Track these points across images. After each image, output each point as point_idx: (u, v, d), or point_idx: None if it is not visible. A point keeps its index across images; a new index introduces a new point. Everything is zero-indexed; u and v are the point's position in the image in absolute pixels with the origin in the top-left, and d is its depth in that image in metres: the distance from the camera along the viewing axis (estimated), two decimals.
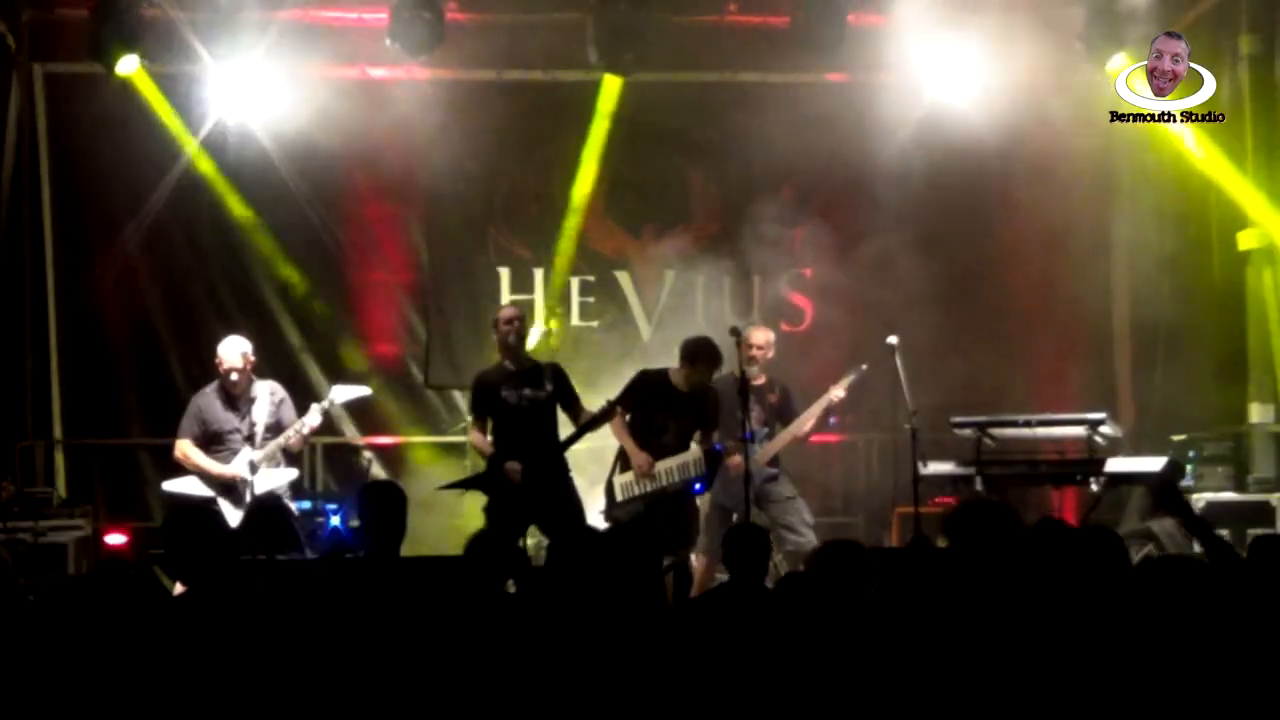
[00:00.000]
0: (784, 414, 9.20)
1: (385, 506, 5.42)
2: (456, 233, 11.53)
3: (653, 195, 11.62)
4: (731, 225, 11.44)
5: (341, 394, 8.84)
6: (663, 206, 11.62)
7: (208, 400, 8.57)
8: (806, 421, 9.15)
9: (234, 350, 8.51)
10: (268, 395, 8.44)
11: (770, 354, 9.13)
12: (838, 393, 9.11)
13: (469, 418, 8.86)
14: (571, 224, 11.37)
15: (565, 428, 8.52)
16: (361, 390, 9.15)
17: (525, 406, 8.30)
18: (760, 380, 9.08)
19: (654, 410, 8.54)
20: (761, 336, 9.15)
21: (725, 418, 8.79)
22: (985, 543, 4.76)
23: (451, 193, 11.35)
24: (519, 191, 11.53)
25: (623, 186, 11.60)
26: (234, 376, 8.44)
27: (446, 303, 11.47)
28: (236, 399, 8.48)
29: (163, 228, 11.11)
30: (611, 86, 11.08)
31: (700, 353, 8.47)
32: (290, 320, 11.25)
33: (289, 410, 8.56)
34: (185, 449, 8.51)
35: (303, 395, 9.20)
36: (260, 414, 8.33)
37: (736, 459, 8.66)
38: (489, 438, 8.37)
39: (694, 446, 8.58)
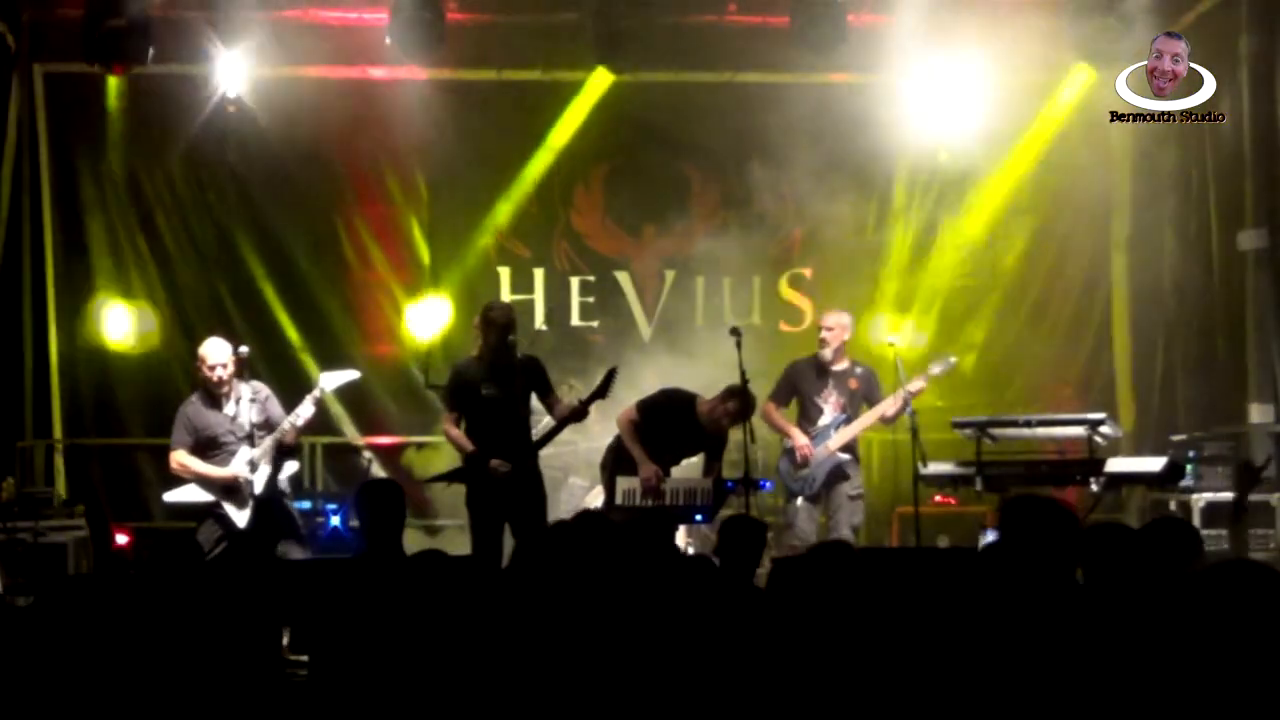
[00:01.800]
0: (870, 398, 9.10)
1: (383, 505, 5.38)
2: (457, 232, 11.54)
3: (653, 195, 11.62)
4: (731, 225, 11.44)
5: (331, 381, 8.77)
6: (663, 206, 11.61)
7: (194, 408, 8.51)
8: (884, 410, 8.96)
9: (221, 349, 8.44)
10: (251, 395, 8.41)
11: (844, 336, 9.07)
12: (918, 383, 8.89)
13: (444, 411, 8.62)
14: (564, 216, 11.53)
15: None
16: (350, 374, 9.02)
17: (500, 402, 8.17)
18: (840, 364, 9.07)
19: (667, 431, 8.50)
20: (832, 319, 9.13)
21: (804, 400, 9.00)
22: (1041, 538, 4.68)
23: (451, 193, 11.36)
24: (519, 191, 11.53)
25: (623, 186, 11.61)
26: (219, 374, 8.36)
27: (446, 302, 11.46)
28: (221, 401, 8.44)
29: (162, 227, 11.12)
30: (599, 81, 11.07)
31: (746, 403, 8.35)
32: (290, 320, 11.25)
33: (275, 406, 8.52)
34: (181, 458, 8.46)
35: (303, 394, 9.16)
36: (250, 413, 8.31)
37: (805, 446, 8.83)
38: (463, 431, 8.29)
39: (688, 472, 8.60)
